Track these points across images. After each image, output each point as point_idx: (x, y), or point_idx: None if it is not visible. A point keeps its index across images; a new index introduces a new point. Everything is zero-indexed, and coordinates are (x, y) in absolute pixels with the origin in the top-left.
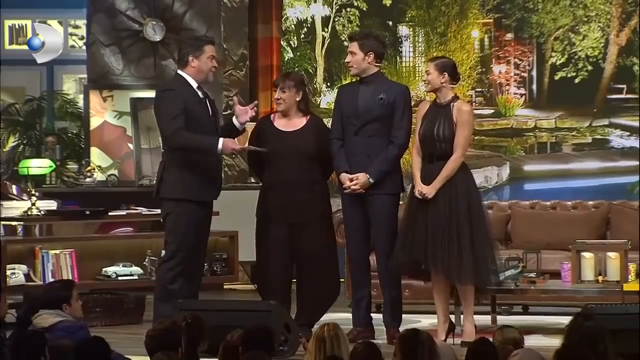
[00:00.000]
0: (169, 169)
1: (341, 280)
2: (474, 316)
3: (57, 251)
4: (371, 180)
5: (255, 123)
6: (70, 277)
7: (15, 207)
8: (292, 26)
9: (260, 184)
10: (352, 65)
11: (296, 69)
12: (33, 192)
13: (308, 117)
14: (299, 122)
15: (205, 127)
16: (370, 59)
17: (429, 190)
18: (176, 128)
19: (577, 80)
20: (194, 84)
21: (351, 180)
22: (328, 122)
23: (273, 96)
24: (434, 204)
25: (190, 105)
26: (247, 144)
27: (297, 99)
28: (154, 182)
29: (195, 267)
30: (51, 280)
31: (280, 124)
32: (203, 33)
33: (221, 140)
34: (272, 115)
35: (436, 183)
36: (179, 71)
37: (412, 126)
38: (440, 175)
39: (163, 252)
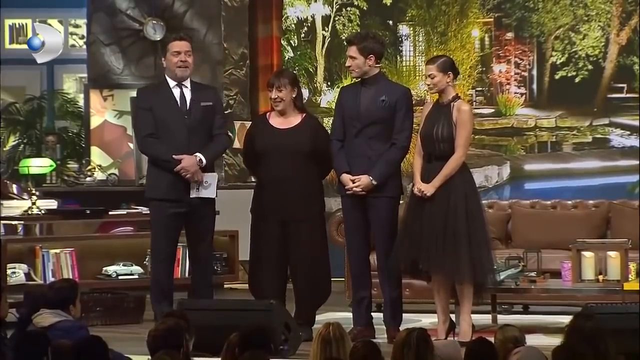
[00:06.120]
0: (148, 169)
1: (341, 280)
2: (472, 315)
3: (58, 250)
4: (374, 183)
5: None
6: (71, 277)
7: (16, 207)
8: (293, 25)
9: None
10: (353, 69)
11: (296, 68)
12: (33, 192)
13: (303, 115)
14: (294, 119)
15: (169, 127)
16: (371, 62)
17: (427, 189)
18: (142, 136)
19: (577, 80)
20: (172, 83)
21: (353, 181)
22: (328, 121)
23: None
24: (431, 203)
25: (154, 104)
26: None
27: (293, 96)
28: None
29: (195, 265)
30: (52, 279)
31: (275, 122)
32: (203, 33)
33: (183, 162)
34: (267, 114)
35: (435, 181)
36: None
37: (415, 127)
38: (441, 174)
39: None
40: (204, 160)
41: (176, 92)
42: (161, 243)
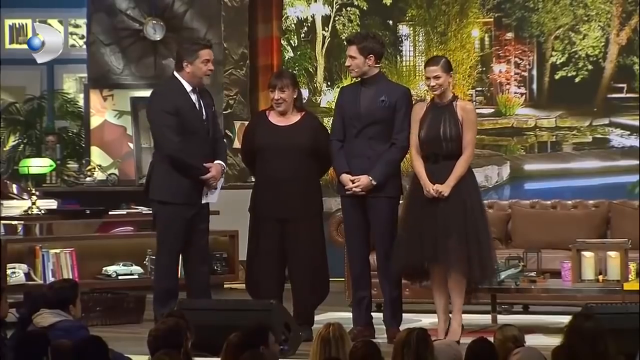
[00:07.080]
0: (157, 169)
1: (341, 280)
2: (472, 316)
3: (58, 250)
4: (374, 183)
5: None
6: (71, 277)
7: (16, 207)
8: (293, 25)
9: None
10: (352, 69)
11: (296, 68)
12: (33, 192)
13: (303, 114)
14: (294, 118)
15: (193, 132)
16: (371, 62)
17: (444, 189)
18: (175, 141)
19: (577, 80)
20: (188, 87)
21: (353, 181)
22: (328, 121)
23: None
24: (444, 203)
25: (180, 109)
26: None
27: (294, 97)
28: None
29: (193, 266)
30: (52, 279)
31: (275, 119)
32: (203, 32)
33: (213, 171)
34: (267, 111)
35: (450, 182)
36: (175, 73)
37: None
38: (454, 174)
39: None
40: (226, 168)
41: (193, 97)
42: (174, 246)
